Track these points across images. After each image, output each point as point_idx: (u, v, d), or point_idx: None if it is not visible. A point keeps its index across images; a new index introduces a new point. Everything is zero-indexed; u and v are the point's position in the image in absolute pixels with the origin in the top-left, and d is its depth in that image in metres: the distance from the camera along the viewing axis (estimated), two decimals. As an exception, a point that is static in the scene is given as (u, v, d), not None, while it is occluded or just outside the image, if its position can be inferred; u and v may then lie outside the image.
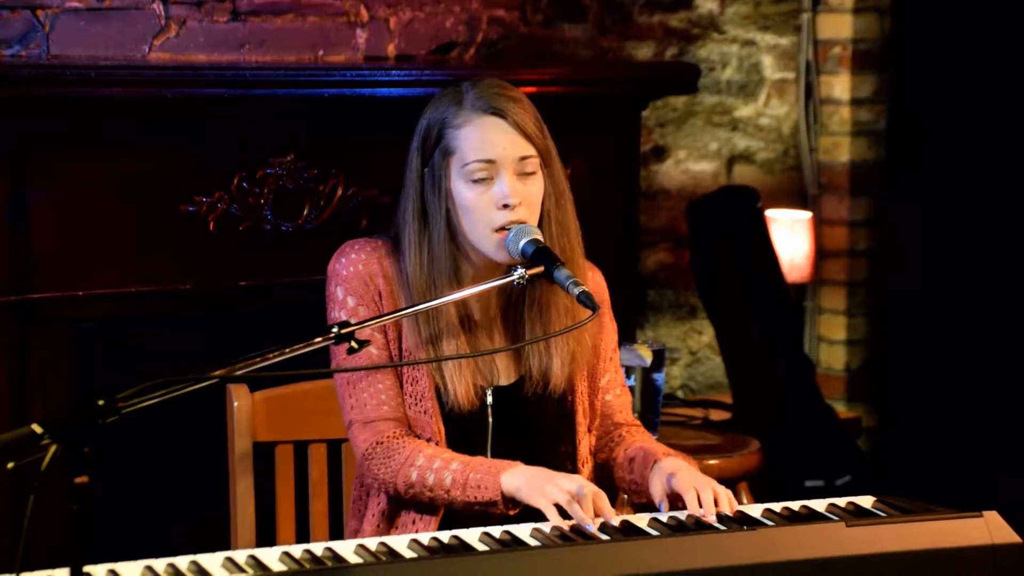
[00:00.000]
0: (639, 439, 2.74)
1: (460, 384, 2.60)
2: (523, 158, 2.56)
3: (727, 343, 4.81)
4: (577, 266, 2.62)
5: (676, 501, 2.52)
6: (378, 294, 2.62)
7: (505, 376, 2.68)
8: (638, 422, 2.82)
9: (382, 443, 2.60)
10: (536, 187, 2.59)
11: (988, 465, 4.73)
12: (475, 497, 2.50)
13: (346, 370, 2.61)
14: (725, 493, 2.48)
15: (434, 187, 2.59)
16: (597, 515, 2.40)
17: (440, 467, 2.54)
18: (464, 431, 2.64)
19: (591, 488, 2.42)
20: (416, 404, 2.63)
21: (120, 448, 3.30)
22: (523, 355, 2.67)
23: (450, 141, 2.57)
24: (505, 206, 2.55)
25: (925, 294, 4.91)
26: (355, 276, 2.62)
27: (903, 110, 5.03)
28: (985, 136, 4.75)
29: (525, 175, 2.57)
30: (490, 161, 2.55)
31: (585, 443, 2.72)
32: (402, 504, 2.62)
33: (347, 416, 2.65)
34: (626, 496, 2.74)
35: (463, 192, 2.56)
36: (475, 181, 2.55)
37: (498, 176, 2.55)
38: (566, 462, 2.70)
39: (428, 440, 2.62)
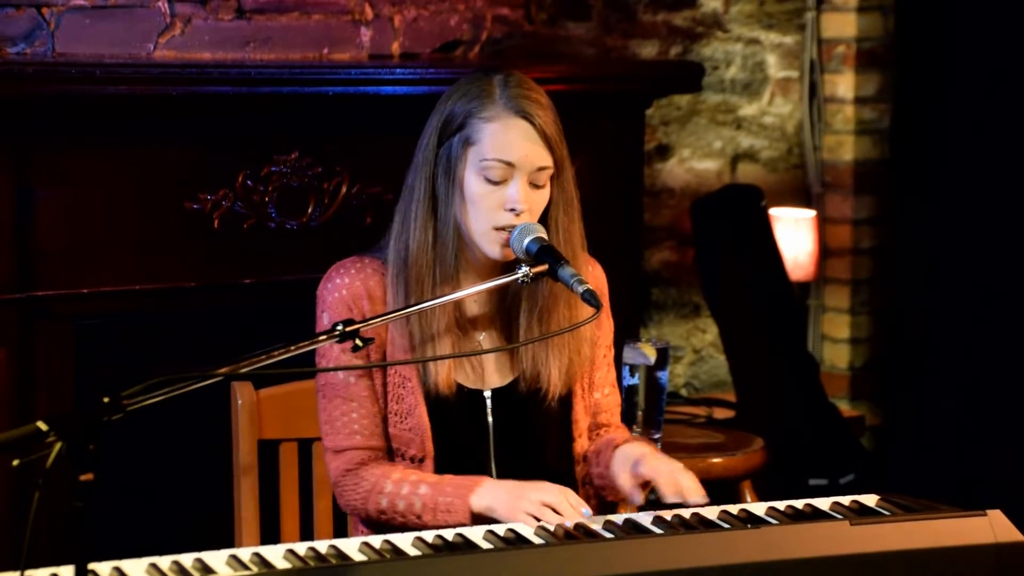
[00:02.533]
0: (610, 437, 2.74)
1: (442, 372, 2.59)
2: (540, 168, 2.56)
3: (731, 341, 4.81)
4: (580, 274, 2.60)
5: (646, 488, 2.52)
6: (362, 318, 2.60)
7: (498, 378, 2.67)
8: (623, 426, 2.80)
9: (351, 470, 2.61)
10: (543, 197, 2.59)
11: (992, 464, 4.73)
12: (445, 521, 2.50)
13: (347, 368, 2.61)
14: (696, 479, 2.48)
15: (448, 171, 2.58)
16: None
17: (409, 492, 2.55)
18: (463, 436, 2.64)
19: (559, 490, 2.44)
20: (402, 422, 2.62)
21: (125, 445, 3.31)
22: (516, 356, 2.67)
23: (474, 131, 2.56)
24: (512, 210, 2.54)
25: (929, 292, 4.91)
26: (339, 302, 2.62)
27: (907, 108, 5.03)
28: (988, 134, 4.75)
29: (537, 186, 2.57)
30: (509, 164, 2.54)
31: (580, 443, 2.72)
32: (380, 526, 2.62)
33: (322, 439, 2.66)
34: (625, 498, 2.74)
35: (473, 184, 2.56)
36: (488, 179, 2.55)
37: (512, 179, 2.55)
38: (566, 461, 2.70)
39: (413, 458, 2.62)
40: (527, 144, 2.55)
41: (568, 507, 2.41)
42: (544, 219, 2.61)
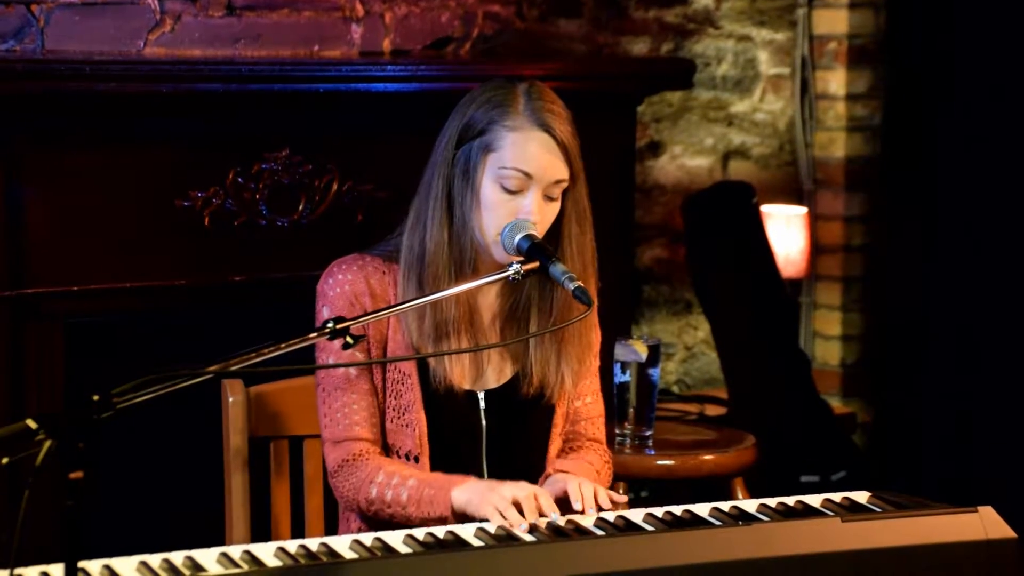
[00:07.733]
0: (573, 458, 2.74)
1: (454, 371, 2.60)
2: (557, 182, 2.58)
3: (722, 338, 4.81)
4: (590, 287, 2.60)
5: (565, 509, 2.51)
6: (364, 313, 2.61)
7: (495, 379, 2.68)
8: (600, 438, 2.80)
9: (348, 460, 2.62)
10: (554, 210, 2.61)
11: (983, 460, 4.73)
12: (428, 513, 2.51)
13: (340, 365, 2.61)
14: (602, 490, 2.48)
15: (466, 174, 2.59)
16: (541, 515, 2.41)
17: (398, 483, 2.56)
18: (456, 435, 2.64)
19: (532, 490, 2.44)
20: (399, 418, 2.63)
21: (115, 443, 3.30)
22: (518, 358, 2.68)
23: (495, 138, 2.57)
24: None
25: (921, 289, 4.91)
26: (341, 296, 2.62)
27: (899, 105, 5.03)
28: (981, 131, 4.75)
29: (550, 199, 2.59)
30: (527, 175, 2.56)
31: (555, 446, 2.74)
32: (374, 522, 2.62)
33: (321, 432, 2.67)
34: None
35: (489, 191, 2.57)
36: (505, 187, 2.56)
37: (528, 190, 2.56)
38: (546, 462, 2.71)
39: (407, 455, 2.63)
40: (547, 156, 2.57)
41: (532, 507, 2.41)
42: (557, 230, 2.62)
